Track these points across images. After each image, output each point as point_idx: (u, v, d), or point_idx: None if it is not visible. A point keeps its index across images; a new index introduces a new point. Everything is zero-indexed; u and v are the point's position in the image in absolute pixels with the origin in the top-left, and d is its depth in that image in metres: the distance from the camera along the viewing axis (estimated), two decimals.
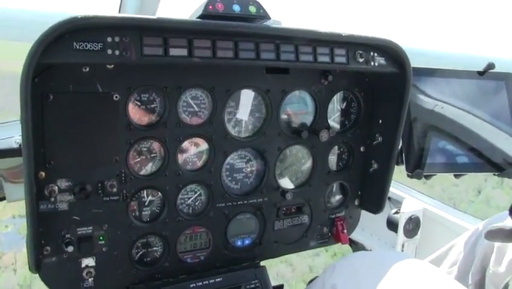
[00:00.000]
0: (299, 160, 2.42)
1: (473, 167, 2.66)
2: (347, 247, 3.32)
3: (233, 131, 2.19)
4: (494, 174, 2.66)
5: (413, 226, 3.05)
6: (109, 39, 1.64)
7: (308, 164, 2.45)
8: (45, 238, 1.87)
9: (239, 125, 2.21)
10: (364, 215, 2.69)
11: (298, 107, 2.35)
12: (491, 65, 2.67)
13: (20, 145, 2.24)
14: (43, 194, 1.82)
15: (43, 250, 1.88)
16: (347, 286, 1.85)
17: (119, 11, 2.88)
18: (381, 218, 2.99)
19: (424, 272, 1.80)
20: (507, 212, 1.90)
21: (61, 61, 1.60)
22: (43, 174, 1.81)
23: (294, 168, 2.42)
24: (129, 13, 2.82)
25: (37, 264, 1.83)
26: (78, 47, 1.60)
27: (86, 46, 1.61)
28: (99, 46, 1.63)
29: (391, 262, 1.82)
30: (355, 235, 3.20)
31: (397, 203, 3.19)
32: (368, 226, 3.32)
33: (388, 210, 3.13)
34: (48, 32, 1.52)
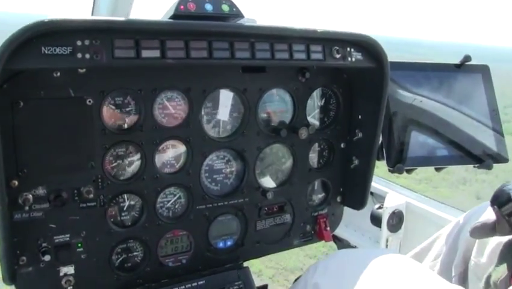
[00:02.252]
0: (279, 159, 2.41)
1: (453, 159, 2.68)
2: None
3: (211, 132, 2.16)
4: (474, 166, 2.67)
5: (396, 220, 3.06)
6: (78, 42, 1.60)
7: (288, 162, 2.43)
8: (21, 247, 1.83)
9: (217, 126, 2.18)
10: (348, 211, 2.69)
11: (277, 105, 2.33)
12: (467, 58, 2.69)
13: None
14: (17, 203, 1.77)
15: (19, 261, 1.83)
16: (330, 284, 1.84)
17: (92, 13, 2.84)
18: (365, 213, 2.98)
19: (408, 268, 1.80)
20: (488, 203, 1.90)
21: (29, 66, 1.56)
22: (16, 182, 1.76)
23: (274, 167, 2.40)
24: (102, 16, 2.78)
25: (11, 275, 1.78)
26: (46, 51, 1.55)
27: (55, 50, 1.57)
28: (69, 50, 1.59)
29: (374, 259, 1.81)
30: (339, 232, 3.20)
31: (380, 198, 3.19)
32: (352, 222, 3.32)
33: (372, 205, 3.14)
34: (14, 37, 1.47)
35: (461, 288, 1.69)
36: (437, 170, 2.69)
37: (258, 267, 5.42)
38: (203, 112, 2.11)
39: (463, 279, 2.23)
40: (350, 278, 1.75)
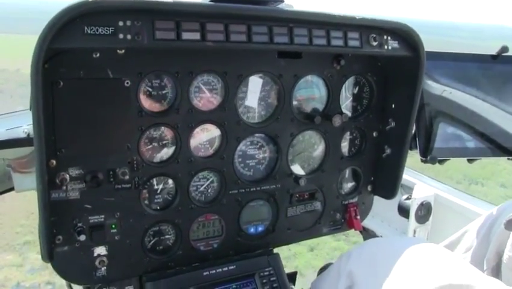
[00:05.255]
0: (311, 146, 2.40)
1: (485, 151, 2.66)
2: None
3: (245, 117, 2.16)
4: (509, 159, 2.65)
5: (425, 211, 3.03)
6: (120, 23, 1.61)
7: (320, 149, 2.42)
8: (57, 227, 1.86)
9: (251, 111, 2.18)
10: (374, 201, 2.68)
11: (308, 92, 2.31)
12: (504, 49, 2.64)
13: (28, 135, 2.22)
14: (54, 182, 1.80)
15: (55, 239, 1.86)
16: (364, 272, 1.83)
17: None
18: (392, 204, 2.96)
19: (442, 257, 1.78)
20: None
21: (71, 46, 1.57)
22: (54, 162, 1.79)
23: (306, 154, 2.40)
24: None
25: (49, 253, 1.82)
26: (88, 31, 1.57)
27: (97, 30, 1.58)
28: (111, 30, 1.60)
29: (408, 248, 1.80)
30: (366, 222, 3.18)
31: (408, 189, 3.16)
32: (379, 212, 3.29)
33: (399, 196, 3.11)
34: (58, 16, 1.49)
35: (495, 280, 1.67)
36: (469, 161, 2.67)
37: None
38: (238, 97, 2.11)
39: (496, 273, 2.20)
40: (385, 266, 1.74)
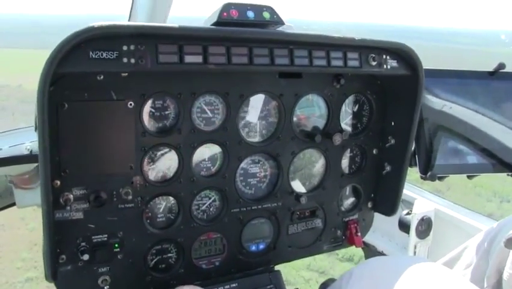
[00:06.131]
0: (311, 163, 2.42)
1: (486, 167, 2.67)
2: None
3: (246, 136, 2.19)
4: (508, 175, 2.66)
5: (425, 227, 3.03)
6: (124, 47, 1.64)
7: (320, 167, 2.44)
8: (60, 246, 1.88)
9: (252, 130, 2.20)
10: (375, 216, 2.69)
11: (309, 110, 2.34)
12: (501, 66, 2.67)
13: (31, 152, 2.24)
14: (59, 202, 1.82)
15: (59, 259, 1.88)
16: None
17: (129, 18, 2.87)
18: (392, 219, 2.97)
19: (443, 276, 1.79)
20: None
21: (77, 70, 1.60)
22: (58, 182, 1.81)
23: (306, 171, 2.42)
24: (140, 21, 2.82)
25: (53, 273, 1.83)
26: (93, 56, 1.60)
27: (102, 54, 1.61)
28: (115, 55, 1.63)
29: (409, 268, 1.81)
30: (366, 237, 3.19)
31: (409, 204, 3.17)
32: (380, 227, 3.30)
33: (400, 211, 3.12)
34: (65, 42, 1.52)
35: None
36: (469, 177, 2.68)
37: None
38: (239, 117, 2.14)
39: None
40: (386, 286, 1.75)
